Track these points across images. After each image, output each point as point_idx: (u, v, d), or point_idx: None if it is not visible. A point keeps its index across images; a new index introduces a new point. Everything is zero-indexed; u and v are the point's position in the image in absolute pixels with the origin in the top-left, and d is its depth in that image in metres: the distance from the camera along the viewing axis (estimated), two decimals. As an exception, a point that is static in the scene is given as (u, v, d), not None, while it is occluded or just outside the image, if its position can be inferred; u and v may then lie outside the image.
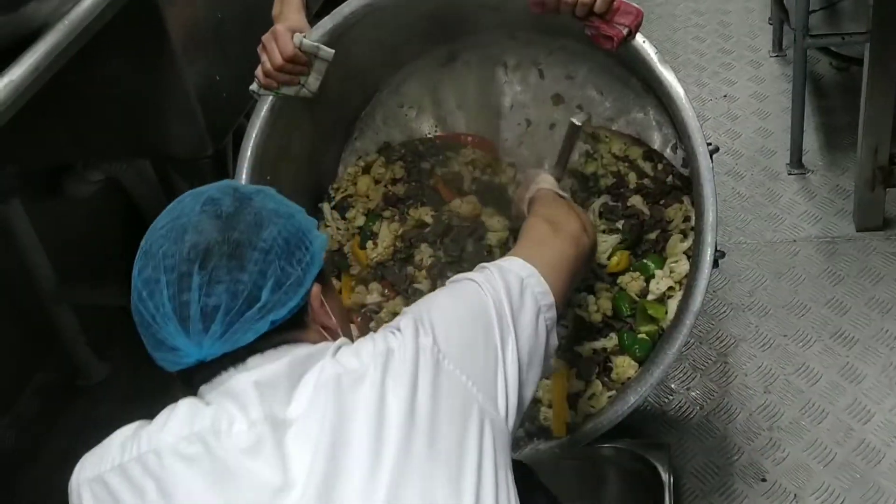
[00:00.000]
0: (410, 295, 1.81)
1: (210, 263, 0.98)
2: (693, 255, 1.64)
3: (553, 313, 1.19)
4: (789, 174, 2.51)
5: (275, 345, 1.01)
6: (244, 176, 1.69)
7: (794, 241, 2.30)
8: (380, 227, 1.88)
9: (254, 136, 1.70)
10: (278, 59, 1.57)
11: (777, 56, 2.99)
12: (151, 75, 1.68)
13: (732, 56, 3.06)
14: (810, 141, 2.57)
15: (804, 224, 2.35)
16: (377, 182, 1.93)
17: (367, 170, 1.95)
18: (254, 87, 1.63)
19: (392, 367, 1.00)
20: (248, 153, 1.70)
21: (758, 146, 2.63)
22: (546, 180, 1.57)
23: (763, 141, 2.65)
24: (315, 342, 1.04)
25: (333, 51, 1.61)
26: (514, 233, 1.70)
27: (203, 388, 1.02)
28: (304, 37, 1.58)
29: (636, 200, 1.82)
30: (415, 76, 1.97)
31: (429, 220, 1.83)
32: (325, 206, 1.93)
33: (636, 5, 1.48)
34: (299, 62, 1.59)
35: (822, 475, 1.80)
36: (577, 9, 1.44)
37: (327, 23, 1.67)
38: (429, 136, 1.98)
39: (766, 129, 2.69)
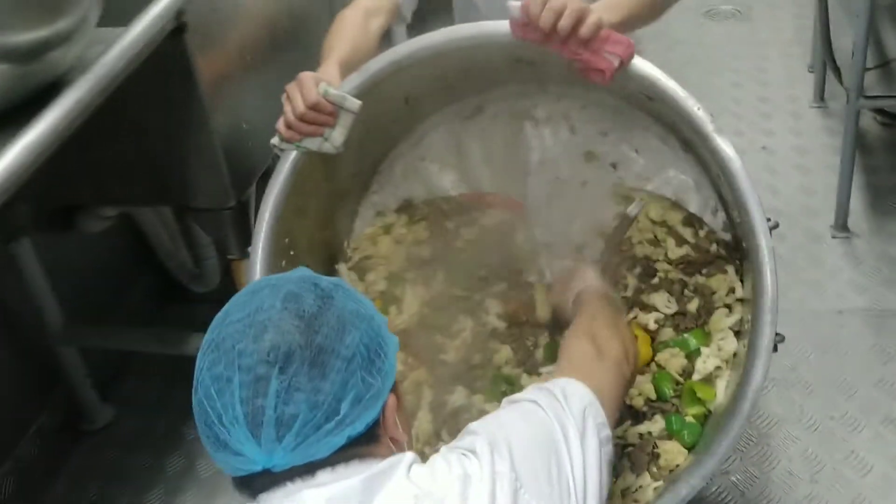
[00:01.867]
0: (436, 366, 1.70)
1: (291, 368, 0.91)
2: (750, 339, 1.48)
3: (611, 448, 1.12)
4: (833, 237, 2.37)
5: (346, 459, 0.94)
6: (262, 235, 1.58)
7: (840, 311, 2.15)
8: (403, 292, 1.76)
9: (273, 193, 1.59)
10: (301, 107, 1.44)
11: (819, 107, 2.86)
12: (177, 124, 1.60)
13: (771, 105, 2.93)
14: (854, 202, 2.43)
15: (850, 293, 2.20)
16: (398, 243, 1.81)
17: (387, 230, 1.83)
18: (275, 140, 1.51)
19: (470, 494, 0.94)
20: (267, 214, 1.59)
21: (800, 204, 2.49)
22: (591, 277, 1.49)
23: (805, 199, 2.50)
24: (385, 456, 0.97)
25: (360, 102, 1.48)
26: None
27: (264, 497, 0.94)
28: (330, 87, 1.47)
29: (672, 270, 1.69)
30: (438, 129, 1.84)
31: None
32: (342, 268, 1.81)
33: (627, 37, 1.38)
34: (323, 111, 1.46)
35: (873, 578, 1.65)
36: (560, 30, 1.33)
37: (355, 79, 1.55)
38: (452, 193, 1.86)
39: (807, 187, 2.55)
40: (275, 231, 1.61)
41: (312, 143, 1.50)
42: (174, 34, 1.47)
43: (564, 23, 1.33)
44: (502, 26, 1.53)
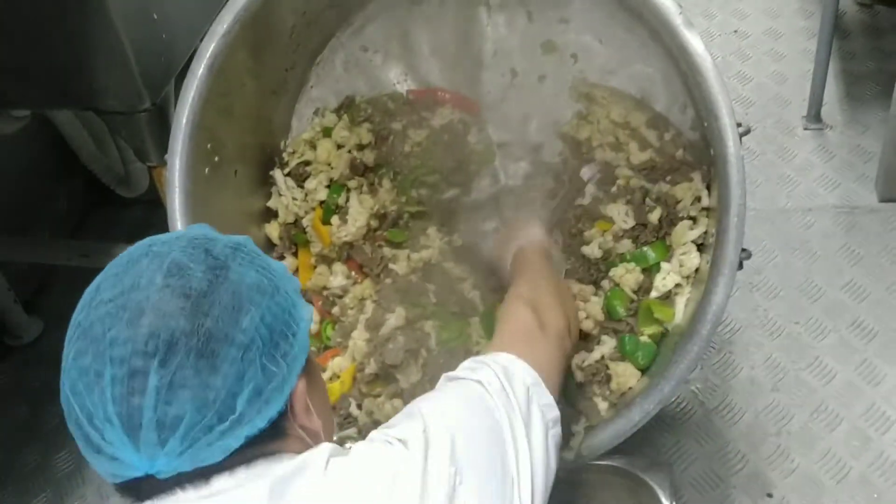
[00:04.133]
0: (383, 279, 1.52)
1: (174, 360, 0.73)
2: (714, 256, 1.32)
3: (559, 429, 1.00)
4: (805, 129, 2.17)
5: (248, 461, 0.77)
6: (179, 141, 1.38)
7: (809, 209, 1.98)
8: (346, 200, 1.57)
9: (190, 94, 1.38)
10: None
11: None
12: (75, 17, 1.35)
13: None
14: (829, 90, 2.21)
15: (820, 189, 2.02)
16: (340, 147, 1.60)
17: (327, 133, 1.62)
18: None
19: (396, 494, 0.78)
20: (184, 118, 1.38)
21: (771, 94, 2.27)
22: (536, 232, 1.38)
23: (777, 88, 2.29)
24: (297, 451, 0.80)
25: None
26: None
27: None
28: None
29: (634, 176, 1.50)
30: (382, 16, 1.64)
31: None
32: (278, 174, 1.61)
33: None
34: None
35: (836, 492, 1.53)
36: None
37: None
38: (399, 89, 1.64)
39: (780, 74, 2.33)
40: (195, 136, 1.40)
41: None
42: None
43: None
44: None
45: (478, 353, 1.17)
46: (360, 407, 1.44)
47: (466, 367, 1.00)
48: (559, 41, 1.57)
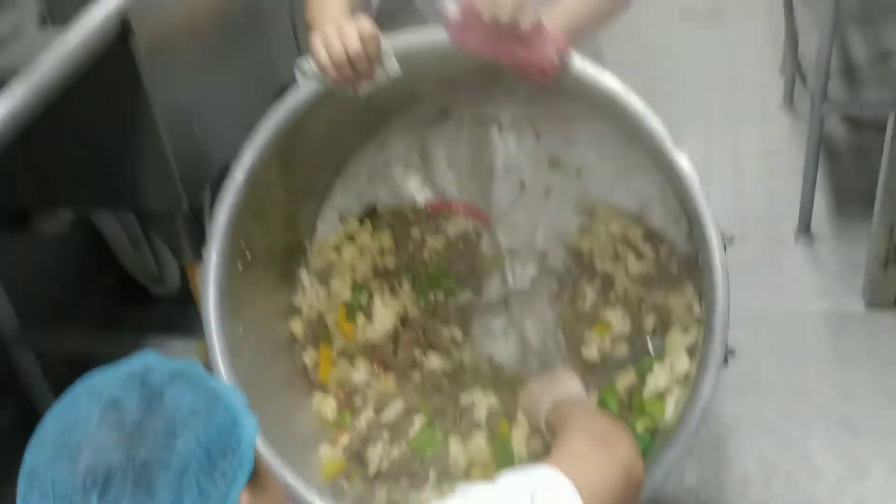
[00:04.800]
0: (412, 377, 1.63)
1: (111, 492, 0.76)
2: (701, 353, 1.41)
3: None
4: (797, 241, 2.29)
5: None
6: (216, 238, 1.49)
7: (801, 315, 2.08)
8: (369, 301, 1.68)
9: (229, 196, 1.49)
10: (354, 45, 1.32)
11: (788, 110, 2.77)
12: (126, 128, 1.48)
13: (741, 107, 2.83)
14: (818, 205, 2.35)
15: (811, 297, 2.13)
16: (362, 252, 1.72)
17: (350, 238, 1.74)
18: (307, 65, 1.38)
19: None
20: (222, 216, 1.49)
21: (764, 208, 2.41)
22: (572, 382, 1.38)
23: (770, 202, 2.42)
24: None
25: (400, 72, 1.37)
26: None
27: None
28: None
29: (631, 285, 1.62)
30: (403, 132, 1.75)
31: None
32: (304, 274, 1.72)
33: (562, 34, 1.34)
34: (370, 58, 1.34)
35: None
36: (503, 15, 1.26)
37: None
38: (418, 198, 1.77)
39: (773, 190, 2.47)
40: (230, 234, 1.52)
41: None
42: (120, 39, 1.36)
43: (504, 14, 1.26)
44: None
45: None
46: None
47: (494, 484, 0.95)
48: (564, 158, 1.70)
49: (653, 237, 1.64)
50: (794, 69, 2.56)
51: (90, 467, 0.77)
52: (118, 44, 1.34)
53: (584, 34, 1.45)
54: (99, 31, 1.28)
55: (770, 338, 2.04)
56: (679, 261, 1.61)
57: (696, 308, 1.55)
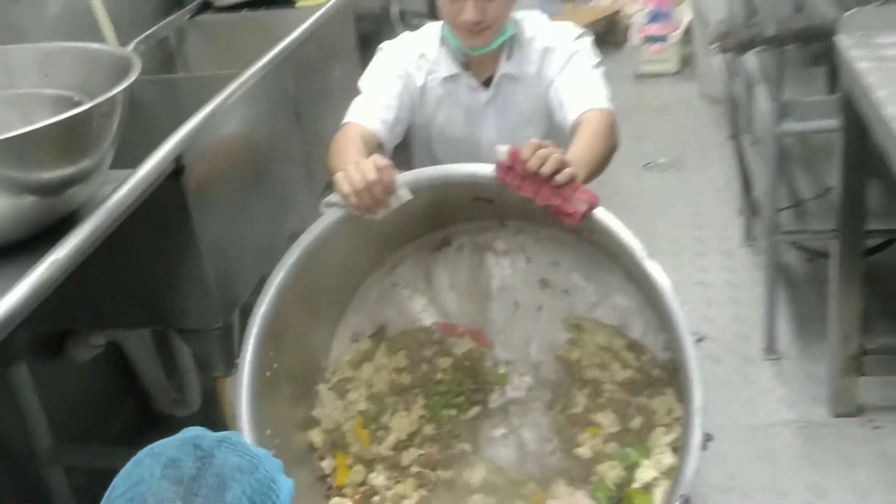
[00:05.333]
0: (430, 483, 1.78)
1: None
2: (683, 439, 1.58)
3: None
4: (764, 360, 2.49)
5: None
6: (248, 353, 1.66)
7: (772, 425, 2.25)
8: (388, 417, 1.84)
9: (260, 313, 1.67)
10: (371, 175, 1.54)
11: (748, 246, 3.03)
12: (173, 253, 1.67)
13: (706, 245, 3.10)
14: (783, 328, 2.56)
15: (781, 408, 2.30)
16: (379, 369, 1.88)
17: (366, 356, 1.91)
18: (333, 198, 1.61)
19: None
20: (255, 329, 1.67)
21: (733, 332, 2.62)
22: None
23: (738, 327, 2.64)
24: None
25: (411, 196, 1.60)
26: None
27: None
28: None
29: (618, 390, 1.79)
30: (410, 259, 1.96)
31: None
32: (322, 388, 1.87)
33: (592, 190, 1.53)
34: (386, 189, 1.57)
35: None
36: (544, 168, 1.48)
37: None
38: (424, 319, 1.94)
39: (740, 316, 2.69)
40: (261, 345, 1.68)
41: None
42: (173, 175, 1.58)
43: (547, 167, 1.48)
44: (464, 169, 1.69)
45: None
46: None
47: None
48: (553, 279, 1.90)
49: (635, 347, 1.83)
50: (749, 209, 2.84)
51: None
52: (172, 180, 1.56)
53: (594, 177, 1.68)
54: (157, 168, 1.50)
55: (747, 445, 2.19)
56: (659, 367, 1.80)
57: (677, 410, 1.72)
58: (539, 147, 1.51)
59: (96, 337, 2.08)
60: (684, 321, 1.52)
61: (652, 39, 4.75)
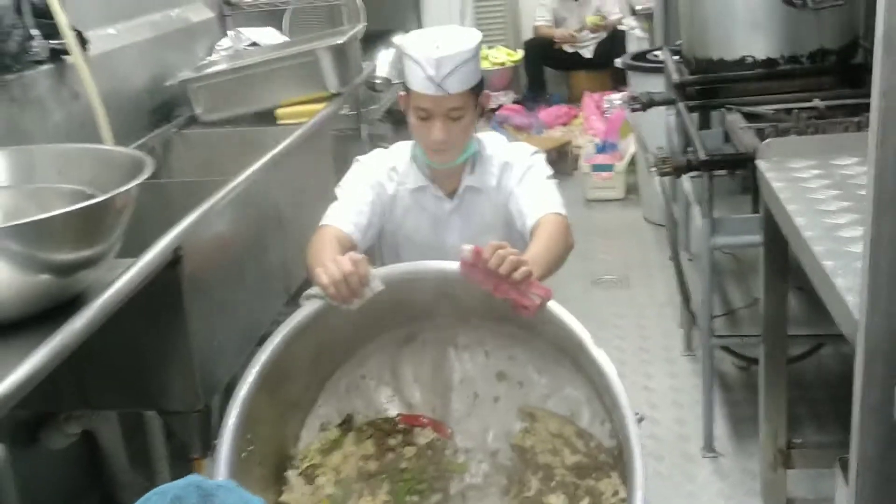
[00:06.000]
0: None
1: None
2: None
3: None
4: (703, 457, 2.65)
5: None
6: (228, 433, 1.74)
7: (712, 517, 2.40)
8: (350, 496, 1.93)
9: (241, 396, 1.76)
10: (348, 267, 1.72)
11: (688, 355, 3.24)
12: (163, 338, 1.79)
13: (650, 354, 3.30)
14: (720, 429, 2.74)
15: (719, 501, 2.45)
16: (346, 457, 1.99)
17: (335, 444, 2.01)
18: (312, 290, 1.79)
19: None
20: (234, 411, 1.75)
21: (675, 433, 2.79)
22: None
23: (679, 428, 2.81)
24: None
25: (383, 287, 1.77)
26: None
27: None
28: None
29: (568, 474, 1.94)
30: (378, 352, 2.09)
31: None
32: (291, 474, 1.96)
33: (546, 286, 1.73)
34: (360, 282, 1.74)
35: None
36: (503, 267, 1.67)
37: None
38: (389, 409, 2.07)
39: (681, 418, 2.86)
40: (240, 428, 1.78)
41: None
42: (171, 264, 1.75)
43: (505, 266, 1.68)
44: (433, 265, 1.88)
45: None
46: None
47: None
48: (509, 372, 2.05)
49: (583, 435, 1.98)
50: (688, 321, 3.06)
51: None
52: (169, 268, 1.72)
53: (551, 274, 1.89)
54: (159, 257, 1.67)
55: (688, 537, 2.33)
56: (605, 453, 1.95)
57: (622, 491, 1.86)
58: (498, 248, 1.72)
59: (72, 425, 2.17)
60: (627, 401, 1.69)
61: (600, 168, 5.08)
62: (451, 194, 2.17)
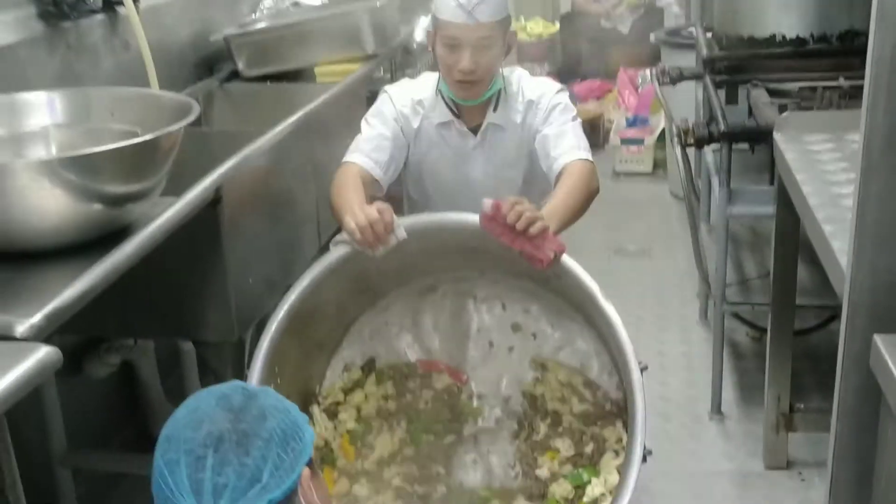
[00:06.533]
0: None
1: (222, 448, 1.11)
2: (626, 450, 1.82)
3: None
4: (710, 419, 2.75)
5: None
6: (258, 366, 1.86)
7: (712, 474, 2.50)
8: (373, 437, 2.07)
9: (271, 330, 1.89)
10: (374, 215, 1.82)
11: (703, 324, 3.33)
12: (202, 272, 1.89)
13: (666, 321, 3.39)
14: (728, 394, 2.82)
15: (721, 461, 2.55)
16: (368, 396, 2.12)
17: (357, 383, 2.13)
18: (340, 237, 1.89)
19: None
20: (265, 344, 1.88)
21: (684, 394, 2.88)
22: None
23: (689, 390, 2.90)
24: None
25: (406, 235, 1.86)
26: None
27: None
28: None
29: (575, 420, 2.06)
30: (399, 301, 2.20)
31: None
32: (315, 409, 2.08)
33: (560, 240, 1.82)
34: (386, 227, 1.83)
35: None
36: (520, 223, 1.75)
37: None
38: (409, 355, 2.19)
39: (691, 381, 2.95)
40: (269, 361, 1.91)
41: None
42: (212, 203, 1.87)
43: (522, 223, 1.76)
44: (454, 217, 1.97)
45: None
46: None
47: None
48: (523, 324, 2.16)
49: (591, 385, 2.09)
50: (705, 291, 3.14)
51: (209, 432, 1.13)
52: (210, 207, 1.85)
53: (571, 224, 1.96)
54: (200, 196, 1.79)
55: (689, 490, 2.43)
56: (611, 402, 2.06)
57: (625, 438, 1.97)
58: (516, 203, 1.81)
59: (113, 355, 2.31)
60: (631, 349, 1.79)
61: (629, 142, 5.14)
62: (475, 130, 2.19)
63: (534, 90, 2.18)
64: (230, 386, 1.22)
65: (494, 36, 2.06)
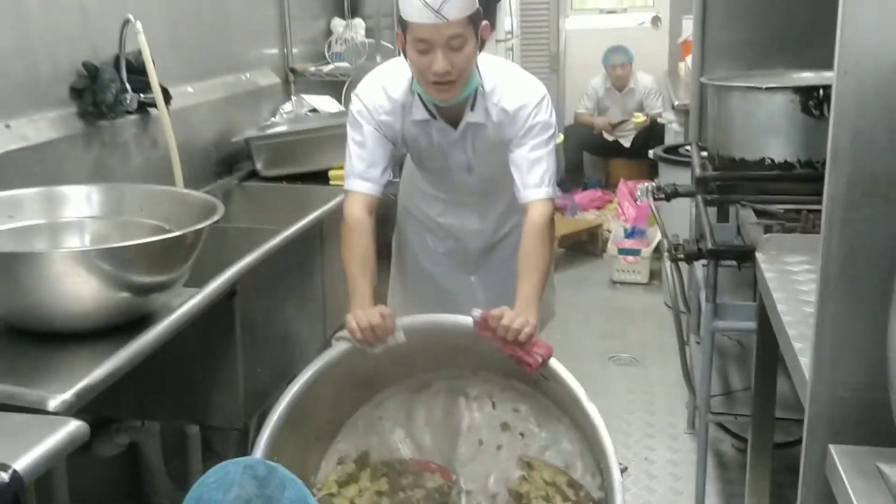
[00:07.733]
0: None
1: None
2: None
3: None
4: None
5: None
6: (261, 449, 1.94)
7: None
8: None
9: (273, 420, 2.01)
10: (376, 319, 1.95)
11: (690, 433, 3.43)
12: (215, 360, 2.04)
13: (654, 429, 3.49)
14: (711, 500, 2.92)
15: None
16: (362, 491, 2.19)
17: (352, 477, 2.22)
18: (342, 333, 2.01)
19: None
20: (266, 432, 1.99)
21: (669, 501, 2.96)
22: None
23: (673, 497, 2.98)
24: None
25: (405, 339, 2.01)
26: None
27: None
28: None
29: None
30: (395, 397, 2.31)
31: None
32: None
33: (548, 344, 1.96)
34: (387, 329, 1.97)
35: None
36: (508, 335, 1.89)
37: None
38: (402, 449, 2.28)
39: (677, 489, 3.04)
40: (270, 449, 2.00)
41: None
42: (228, 296, 2.03)
43: (510, 334, 1.92)
44: (450, 319, 2.12)
45: None
46: None
47: None
48: (512, 423, 2.26)
49: (574, 485, 2.19)
50: (693, 401, 3.25)
51: (238, 495, 1.29)
52: (226, 300, 2.00)
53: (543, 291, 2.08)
54: (219, 288, 1.95)
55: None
56: (593, 502, 2.16)
57: (607, 535, 2.06)
58: (501, 318, 1.94)
59: (122, 436, 2.42)
60: (612, 450, 1.91)
61: (626, 252, 5.32)
62: (455, 124, 2.21)
63: (512, 101, 2.16)
64: (252, 458, 1.38)
65: (466, 33, 2.01)
